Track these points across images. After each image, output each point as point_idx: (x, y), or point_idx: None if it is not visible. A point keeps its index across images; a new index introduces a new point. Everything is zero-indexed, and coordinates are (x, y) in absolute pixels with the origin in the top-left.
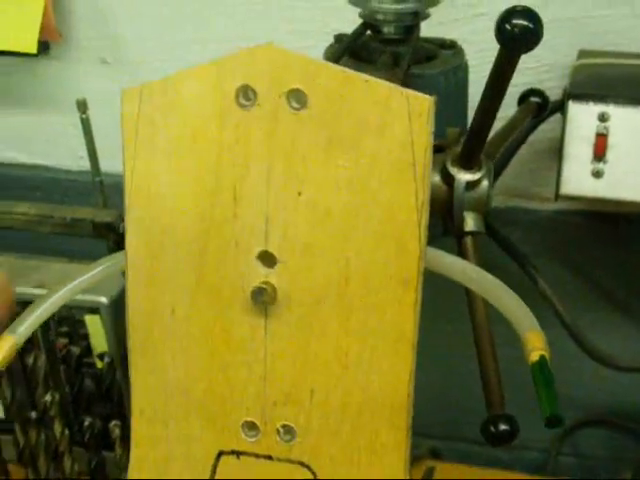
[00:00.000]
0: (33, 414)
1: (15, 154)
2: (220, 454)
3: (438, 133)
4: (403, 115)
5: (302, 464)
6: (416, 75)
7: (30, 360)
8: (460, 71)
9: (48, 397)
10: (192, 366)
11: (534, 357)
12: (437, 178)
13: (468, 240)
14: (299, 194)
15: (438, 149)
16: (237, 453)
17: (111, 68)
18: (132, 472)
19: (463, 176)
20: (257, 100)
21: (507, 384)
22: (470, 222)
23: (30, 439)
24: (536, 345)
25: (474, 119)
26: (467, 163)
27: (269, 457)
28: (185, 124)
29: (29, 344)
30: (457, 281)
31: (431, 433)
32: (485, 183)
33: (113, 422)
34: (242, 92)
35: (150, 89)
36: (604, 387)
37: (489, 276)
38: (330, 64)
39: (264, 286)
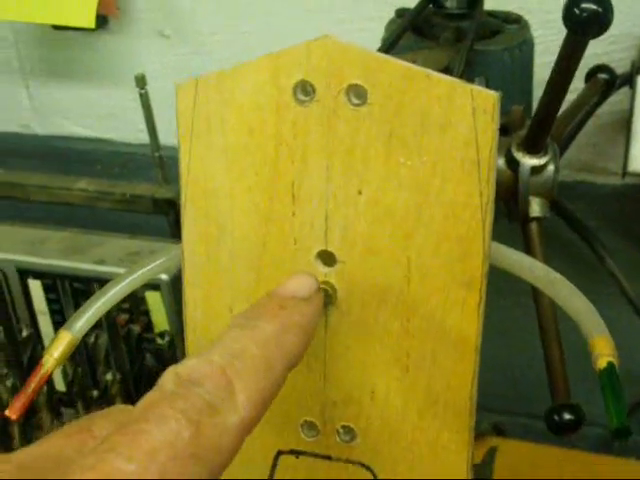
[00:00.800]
0: (95, 392)
1: (75, 128)
2: (279, 454)
3: (502, 111)
4: (467, 111)
5: (362, 465)
6: (480, 52)
7: (92, 338)
8: (525, 47)
9: (109, 376)
10: None
11: (602, 364)
12: (501, 162)
13: (533, 226)
14: (359, 192)
15: (502, 129)
16: (296, 453)
17: (170, 41)
18: None
19: (528, 161)
20: (316, 96)
21: (570, 356)
22: (535, 207)
23: None
24: (604, 351)
25: (540, 103)
26: (532, 147)
27: (328, 457)
28: (242, 119)
29: None
30: (522, 277)
31: (494, 407)
32: (551, 168)
33: None
34: (300, 87)
35: (205, 83)
36: None
37: (557, 275)
38: (391, 58)
39: (324, 286)
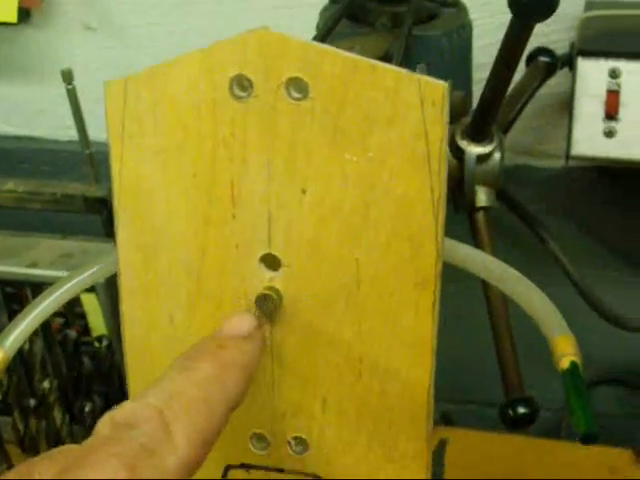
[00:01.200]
0: (32, 402)
1: (1, 126)
2: (228, 468)
3: None
4: (415, 103)
5: (315, 477)
6: (418, 37)
7: (26, 345)
8: (464, 31)
9: (46, 384)
10: None
11: (564, 363)
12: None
13: (480, 215)
14: (303, 191)
15: None
16: (246, 467)
17: (96, 34)
18: None
19: (474, 149)
20: (254, 91)
21: (520, 339)
22: (482, 197)
23: (30, 427)
24: (567, 350)
25: (485, 90)
26: (477, 135)
27: (280, 470)
28: (175, 118)
29: None
30: (478, 275)
31: (441, 397)
32: (497, 156)
33: (115, 405)
34: (236, 82)
35: (136, 81)
36: (615, 346)
37: (513, 272)
38: (332, 48)
39: (269, 292)
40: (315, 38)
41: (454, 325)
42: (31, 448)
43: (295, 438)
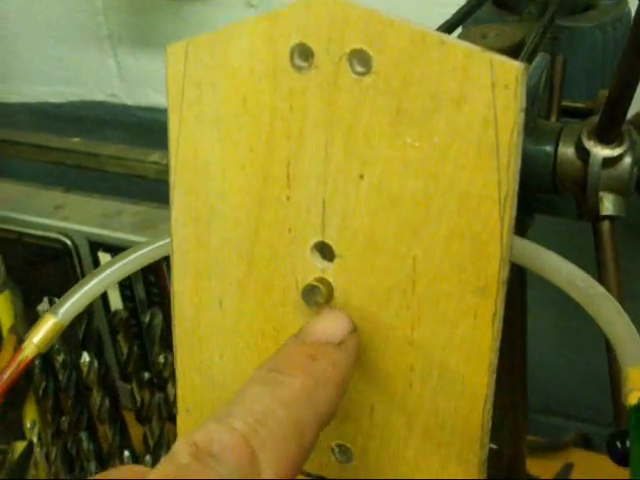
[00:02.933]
0: (146, 375)
1: (162, 99)
2: None
3: (590, 96)
4: (485, 84)
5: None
6: (566, 28)
7: (147, 318)
8: (621, 25)
9: (162, 358)
10: (240, 367)
11: (633, 399)
12: (571, 151)
13: (605, 225)
14: (361, 177)
15: (585, 115)
16: None
17: (257, 11)
18: None
19: (600, 151)
20: (314, 61)
21: None
22: (608, 205)
23: (144, 399)
24: (637, 384)
25: (612, 84)
26: (605, 136)
27: (322, 478)
28: (235, 87)
29: (147, 301)
30: (559, 287)
31: (583, 417)
32: (628, 160)
33: None
34: (298, 51)
35: (196, 46)
36: None
37: (599, 289)
38: (399, 19)
39: (317, 284)
40: (449, 20)
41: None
42: (146, 420)
43: (339, 446)
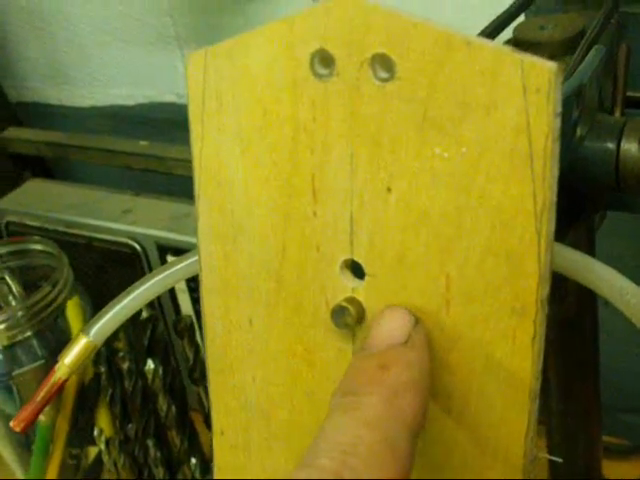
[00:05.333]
0: None
1: None
2: None
3: None
4: (516, 88)
5: None
6: (632, 15)
7: None
8: None
9: None
10: (273, 389)
11: None
12: (635, 147)
13: None
14: (388, 190)
15: None
16: None
17: None
18: None
19: None
20: (336, 68)
21: None
22: None
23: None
24: None
25: None
26: None
27: None
28: (255, 97)
29: None
30: (610, 301)
31: None
32: None
33: None
34: (318, 58)
35: (215, 55)
36: None
37: None
38: (422, 21)
39: (346, 305)
40: (507, 11)
41: None
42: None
43: None
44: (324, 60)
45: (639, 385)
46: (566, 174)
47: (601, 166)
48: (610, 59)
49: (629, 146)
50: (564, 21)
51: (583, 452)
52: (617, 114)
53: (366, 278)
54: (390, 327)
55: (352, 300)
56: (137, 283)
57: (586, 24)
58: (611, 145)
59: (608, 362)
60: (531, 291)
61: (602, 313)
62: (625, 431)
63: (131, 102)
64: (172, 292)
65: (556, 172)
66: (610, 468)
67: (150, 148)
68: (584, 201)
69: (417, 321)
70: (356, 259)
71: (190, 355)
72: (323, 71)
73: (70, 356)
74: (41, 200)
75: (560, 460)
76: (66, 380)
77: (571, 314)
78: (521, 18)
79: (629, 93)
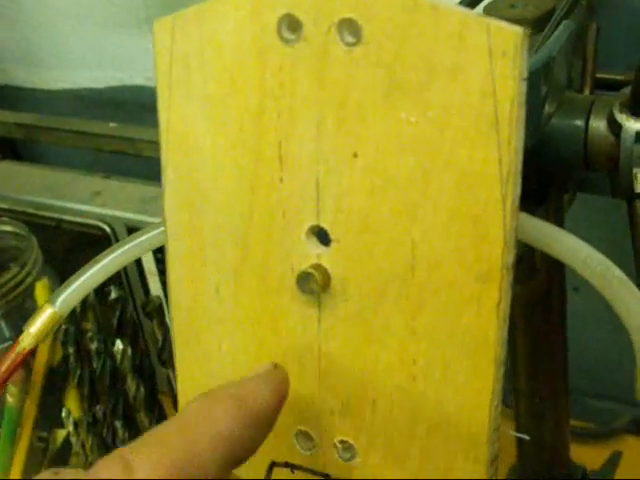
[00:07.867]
0: None
1: None
2: (273, 465)
3: (629, 67)
4: (482, 52)
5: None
6: None
7: None
8: None
9: None
10: (239, 357)
11: None
12: (603, 125)
13: (639, 203)
14: (355, 155)
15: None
16: (291, 466)
17: None
18: None
19: (633, 125)
20: (303, 33)
21: None
22: None
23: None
24: None
25: None
26: (638, 108)
27: (326, 475)
28: (222, 63)
29: None
30: (574, 269)
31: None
32: None
33: None
34: (285, 23)
35: (183, 20)
36: None
37: (617, 273)
38: None
39: (311, 271)
40: None
41: None
42: None
43: (342, 442)
44: (291, 25)
45: (609, 371)
46: (535, 152)
47: (569, 144)
48: (579, 39)
49: (598, 123)
50: (535, 0)
51: (551, 433)
52: (586, 93)
53: (332, 244)
54: None
55: (318, 266)
56: (103, 253)
57: (556, 3)
58: (579, 122)
59: (579, 348)
60: (496, 257)
61: (573, 299)
62: (594, 416)
63: (101, 84)
64: (142, 274)
65: (522, 137)
66: (579, 452)
67: (120, 130)
68: (553, 180)
69: None
70: (322, 225)
71: (159, 337)
72: (290, 36)
73: (35, 325)
74: (11, 182)
75: (527, 437)
76: (32, 350)
77: (540, 293)
78: None
79: (598, 75)
